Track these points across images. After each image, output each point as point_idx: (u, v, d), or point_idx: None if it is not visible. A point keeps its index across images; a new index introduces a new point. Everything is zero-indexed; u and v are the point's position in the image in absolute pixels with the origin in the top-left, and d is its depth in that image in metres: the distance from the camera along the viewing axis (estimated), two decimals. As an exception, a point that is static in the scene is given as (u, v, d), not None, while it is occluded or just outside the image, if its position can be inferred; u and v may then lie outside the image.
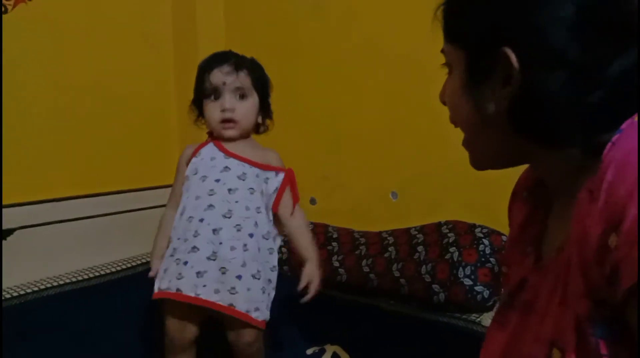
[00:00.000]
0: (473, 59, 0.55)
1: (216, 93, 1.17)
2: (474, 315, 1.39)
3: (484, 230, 1.46)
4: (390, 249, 1.56)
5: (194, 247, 1.10)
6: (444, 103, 0.64)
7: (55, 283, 1.63)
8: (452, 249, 1.43)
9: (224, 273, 1.09)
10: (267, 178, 1.20)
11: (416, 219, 1.63)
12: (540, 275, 0.57)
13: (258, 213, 1.15)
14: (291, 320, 1.41)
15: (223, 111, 1.16)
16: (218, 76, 1.16)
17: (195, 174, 1.17)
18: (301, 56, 1.98)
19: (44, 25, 1.76)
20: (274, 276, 1.20)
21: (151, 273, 1.20)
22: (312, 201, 2.00)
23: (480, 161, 0.62)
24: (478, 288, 1.37)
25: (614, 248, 0.41)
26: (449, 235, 1.47)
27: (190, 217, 1.13)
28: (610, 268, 0.42)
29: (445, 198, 1.66)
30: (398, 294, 1.50)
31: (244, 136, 1.22)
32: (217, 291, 1.09)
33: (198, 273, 1.09)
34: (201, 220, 1.11)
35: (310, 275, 1.17)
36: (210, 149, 1.20)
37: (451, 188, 1.64)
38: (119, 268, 1.80)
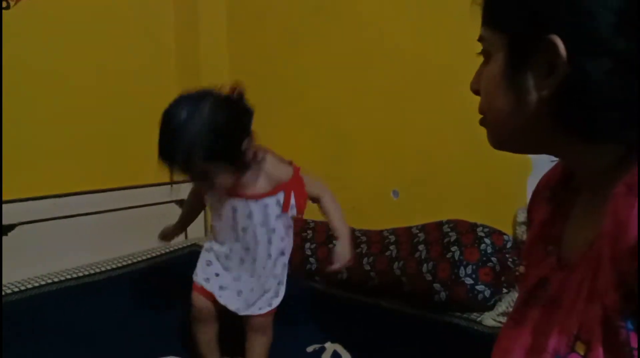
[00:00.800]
0: (516, 45, 0.53)
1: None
2: (475, 314, 1.39)
3: (486, 229, 1.46)
4: (391, 248, 1.55)
5: (237, 278, 1.22)
6: (476, 92, 0.62)
7: (55, 279, 1.63)
8: (453, 248, 1.43)
9: (254, 292, 1.21)
10: (278, 201, 1.20)
11: (417, 218, 1.63)
12: (565, 272, 0.57)
13: (270, 239, 1.20)
14: (292, 318, 1.40)
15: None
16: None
17: (215, 209, 1.22)
18: (303, 55, 1.98)
19: (45, 21, 1.76)
20: (287, 247, 1.24)
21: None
22: (314, 200, 2.00)
23: (503, 144, 0.61)
24: (479, 287, 1.37)
25: None
26: (451, 234, 1.47)
27: (230, 249, 1.22)
28: None
29: (446, 197, 1.66)
30: (399, 293, 1.50)
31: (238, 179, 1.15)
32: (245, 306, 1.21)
33: (239, 292, 1.21)
34: (241, 260, 1.21)
35: (340, 254, 1.20)
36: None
37: (453, 187, 1.64)
38: (119, 265, 1.80)
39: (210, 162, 1.06)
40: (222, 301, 1.20)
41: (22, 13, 1.69)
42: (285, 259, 1.24)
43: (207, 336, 1.24)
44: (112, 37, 1.95)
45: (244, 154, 1.11)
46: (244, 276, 1.22)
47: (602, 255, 0.47)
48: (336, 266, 1.19)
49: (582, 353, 0.49)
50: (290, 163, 1.26)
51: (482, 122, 0.62)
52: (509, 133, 0.58)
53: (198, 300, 1.23)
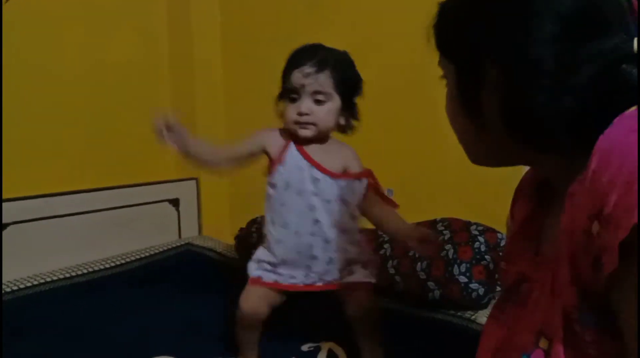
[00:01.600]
0: (461, 71, 0.57)
1: (295, 94, 1.13)
2: (469, 312, 1.39)
3: (479, 228, 1.46)
4: (385, 246, 1.56)
5: (313, 256, 1.16)
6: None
7: (47, 279, 1.62)
8: (447, 246, 1.43)
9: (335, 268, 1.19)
10: (353, 186, 1.18)
11: (411, 216, 1.62)
12: (537, 269, 0.59)
13: (352, 218, 1.19)
14: (286, 316, 1.40)
15: (299, 114, 1.12)
16: (297, 78, 1.12)
17: (289, 188, 1.15)
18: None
19: (40, 18, 1.75)
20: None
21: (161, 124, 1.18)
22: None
23: (478, 161, 0.65)
24: (473, 285, 1.38)
25: (596, 235, 0.43)
26: (445, 232, 1.47)
27: (296, 232, 1.15)
28: (594, 256, 0.43)
29: (440, 196, 1.66)
30: (393, 291, 1.50)
31: (322, 137, 1.18)
32: (311, 276, 1.19)
33: (319, 274, 1.18)
34: (312, 234, 1.15)
35: (410, 234, 1.16)
36: (294, 156, 1.16)
37: (447, 186, 1.64)
38: (112, 265, 1.79)
39: (336, 86, 1.12)
40: (318, 283, 1.19)
41: (14, 10, 1.67)
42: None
43: (252, 340, 1.22)
44: (103, 35, 1.94)
45: (352, 109, 1.18)
46: (334, 255, 1.18)
47: (561, 251, 0.49)
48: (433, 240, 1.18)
49: (544, 348, 0.50)
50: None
51: (461, 144, 0.66)
52: (476, 151, 0.62)
53: (248, 304, 1.19)
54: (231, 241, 1.97)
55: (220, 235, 2.15)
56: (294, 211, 1.15)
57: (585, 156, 0.46)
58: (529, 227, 0.65)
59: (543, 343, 0.51)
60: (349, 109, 1.18)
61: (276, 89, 2.17)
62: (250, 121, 2.17)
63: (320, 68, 1.11)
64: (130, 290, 1.63)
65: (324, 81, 1.11)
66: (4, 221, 1.64)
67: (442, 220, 1.53)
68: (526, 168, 0.71)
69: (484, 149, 0.60)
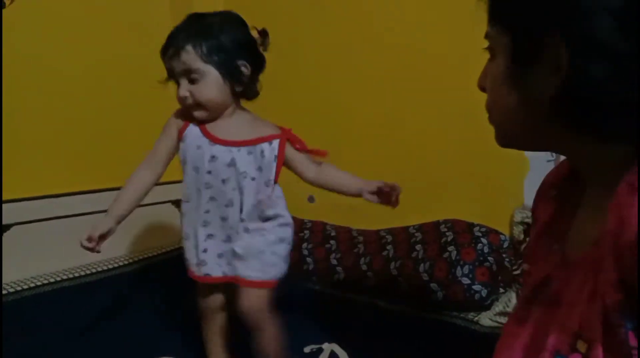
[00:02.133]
0: (520, 44, 0.53)
1: (174, 79, 1.08)
2: (471, 313, 1.39)
3: (483, 229, 1.46)
4: (388, 247, 1.55)
5: (210, 235, 1.11)
6: (483, 89, 0.61)
7: (51, 280, 1.62)
8: (450, 248, 1.43)
9: (237, 252, 1.10)
10: (262, 151, 1.11)
11: (415, 217, 1.62)
12: (569, 270, 0.57)
13: (257, 192, 1.11)
14: (289, 318, 1.40)
15: (180, 99, 1.08)
16: (166, 63, 1.07)
17: (186, 164, 1.12)
18: (299, 49, 1.97)
19: (41, 20, 1.75)
20: (285, 232, 1.16)
21: (92, 233, 1.14)
22: (311, 199, 2.00)
23: (509, 142, 0.61)
24: (476, 287, 1.37)
25: None
26: (448, 233, 1.47)
27: (197, 207, 1.11)
28: None
29: (444, 197, 1.66)
30: (396, 292, 1.50)
31: (222, 112, 1.11)
32: (237, 267, 1.11)
33: (219, 256, 1.12)
34: (207, 211, 1.11)
35: (383, 184, 1.18)
36: (194, 134, 1.11)
37: (450, 187, 1.63)
38: (116, 265, 1.79)
39: (207, 58, 1.04)
40: (229, 274, 1.12)
41: (16, 11, 1.68)
42: (283, 230, 1.14)
43: (211, 330, 1.20)
44: (107, 37, 1.94)
45: (236, 73, 1.07)
46: (233, 234, 1.11)
47: (605, 253, 0.47)
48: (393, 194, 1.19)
49: (583, 351, 0.49)
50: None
51: (490, 120, 0.62)
52: (514, 131, 0.58)
53: (201, 292, 1.18)
54: (234, 242, 1.97)
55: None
56: (192, 187, 1.12)
57: (633, 151, 0.45)
58: (554, 228, 0.64)
59: (581, 346, 0.49)
60: (233, 75, 1.07)
61: (278, 89, 2.18)
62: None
63: (179, 46, 1.04)
64: (134, 290, 1.63)
65: (188, 57, 1.04)
66: (8, 221, 1.65)
67: (446, 221, 1.53)
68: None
69: (523, 129, 0.57)
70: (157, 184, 2.10)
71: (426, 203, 1.68)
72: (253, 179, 1.10)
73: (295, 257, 1.71)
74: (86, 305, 1.50)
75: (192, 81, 1.05)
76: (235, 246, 1.10)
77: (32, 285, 1.58)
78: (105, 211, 1.87)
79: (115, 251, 1.87)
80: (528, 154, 1.42)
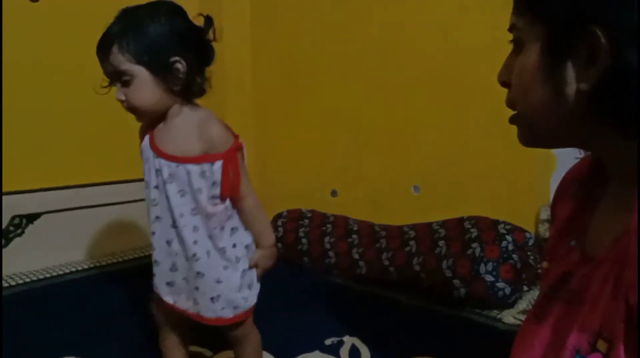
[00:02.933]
0: (555, 34, 0.51)
1: (110, 84, 0.98)
2: (494, 311, 1.37)
3: (507, 226, 1.44)
4: (411, 243, 1.55)
5: (155, 260, 1.01)
6: (505, 84, 0.59)
7: (79, 268, 1.66)
8: (474, 245, 1.42)
9: (188, 282, 1.00)
10: (203, 171, 0.97)
11: (438, 213, 1.61)
12: (590, 267, 0.56)
13: (193, 215, 0.97)
14: (310, 310, 1.41)
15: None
16: (100, 64, 0.96)
17: (143, 178, 1.02)
18: (323, 49, 1.97)
19: (66, 17, 1.78)
20: (244, 257, 1.03)
21: None
22: (333, 193, 2.00)
23: (537, 139, 0.59)
24: (499, 284, 1.36)
25: None
26: (472, 230, 1.46)
27: (151, 230, 1.01)
28: None
29: (468, 193, 1.64)
30: (418, 288, 1.49)
31: (166, 114, 0.99)
32: (187, 301, 1.02)
33: (168, 284, 1.01)
34: (153, 233, 1.00)
35: (258, 261, 1.04)
36: (146, 145, 1.01)
37: (475, 183, 1.62)
38: (142, 254, 1.83)
39: (136, 57, 0.92)
40: (178, 305, 1.02)
41: (40, 11, 1.72)
42: (239, 263, 1.02)
43: (169, 345, 1.09)
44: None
45: (168, 71, 0.93)
46: (178, 261, 0.99)
47: (629, 251, 0.46)
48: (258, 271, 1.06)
49: (603, 351, 0.48)
50: (235, 136, 1.00)
51: (513, 118, 0.59)
52: (545, 128, 0.56)
53: (157, 305, 1.07)
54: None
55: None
56: (147, 205, 1.01)
57: None
58: (574, 224, 0.63)
59: (601, 346, 0.48)
60: (166, 73, 0.94)
61: (304, 89, 2.19)
62: (278, 121, 2.19)
63: (105, 48, 0.93)
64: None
65: (115, 59, 0.92)
66: (37, 210, 1.69)
67: (469, 218, 1.51)
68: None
69: (556, 124, 0.54)
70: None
71: (450, 200, 1.67)
72: (197, 197, 0.96)
73: (318, 251, 1.72)
74: (114, 293, 1.53)
75: (124, 84, 0.94)
76: (183, 279, 1.00)
77: (61, 271, 1.62)
78: (130, 201, 1.91)
79: (142, 241, 1.91)
80: (556, 151, 1.40)
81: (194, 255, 0.97)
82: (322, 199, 2.00)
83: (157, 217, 0.98)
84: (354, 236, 1.69)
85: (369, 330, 1.28)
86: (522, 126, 0.58)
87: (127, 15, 0.95)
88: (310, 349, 1.21)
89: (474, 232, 1.45)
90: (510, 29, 0.57)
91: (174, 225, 0.97)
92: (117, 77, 0.94)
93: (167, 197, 0.96)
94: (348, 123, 1.94)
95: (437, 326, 1.33)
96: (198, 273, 0.98)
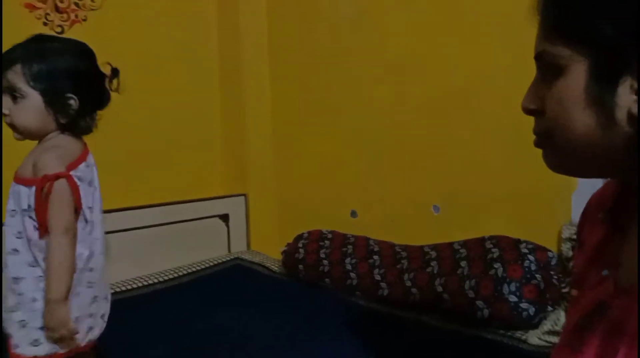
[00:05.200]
0: (605, 59, 0.50)
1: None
2: (519, 332, 1.36)
3: (530, 246, 1.43)
4: (432, 263, 1.55)
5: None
6: (531, 112, 0.58)
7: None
8: (496, 265, 1.41)
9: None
10: (19, 192, 0.99)
11: (459, 233, 1.61)
12: (627, 297, 0.54)
13: (18, 238, 0.98)
14: (333, 332, 1.42)
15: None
16: None
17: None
18: (341, 69, 2.00)
19: (96, 43, 1.84)
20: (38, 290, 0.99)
21: None
22: (353, 214, 2.01)
23: (573, 166, 0.57)
24: (523, 304, 1.35)
25: None
26: (493, 250, 1.45)
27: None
28: None
29: (489, 213, 1.64)
30: (440, 309, 1.48)
31: (42, 139, 1.04)
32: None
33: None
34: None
35: (48, 321, 0.97)
36: None
37: (496, 203, 1.62)
38: (166, 278, 1.86)
39: (32, 81, 0.97)
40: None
41: (75, 36, 1.78)
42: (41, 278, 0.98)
43: None
44: (159, 62, 2.03)
45: (61, 103, 1.00)
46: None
47: None
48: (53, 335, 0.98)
49: None
50: (67, 167, 1.00)
51: (543, 143, 0.58)
52: (586, 155, 0.54)
53: None
54: (278, 255, 2.00)
55: (268, 250, 2.20)
56: None
57: None
58: (604, 252, 0.61)
59: None
60: (58, 105, 1.00)
61: (322, 109, 2.21)
62: (297, 140, 2.22)
63: (7, 64, 0.98)
64: (183, 302, 1.68)
65: (14, 76, 0.97)
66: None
67: (491, 238, 1.51)
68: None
69: (600, 152, 0.52)
70: (204, 199, 2.18)
71: (471, 220, 1.67)
72: (15, 217, 0.99)
73: (339, 272, 1.73)
74: (137, 317, 1.54)
75: (13, 99, 0.99)
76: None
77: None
78: (155, 225, 1.93)
79: (166, 264, 1.94)
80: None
81: (15, 278, 0.98)
82: (341, 219, 2.01)
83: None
84: (375, 257, 1.70)
85: (393, 351, 1.28)
86: (555, 152, 0.57)
87: (39, 42, 1.01)
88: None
89: (496, 252, 1.45)
90: (540, 55, 0.55)
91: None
92: (9, 92, 0.98)
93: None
94: (367, 144, 1.96)
95: (461, 347, 1.32)
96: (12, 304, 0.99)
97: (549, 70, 0.54)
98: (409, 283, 1.56)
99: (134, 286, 1.78)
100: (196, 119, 2.19)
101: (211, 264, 1.99)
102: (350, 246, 1.78)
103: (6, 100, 0.98)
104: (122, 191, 1.92)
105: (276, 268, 1.97)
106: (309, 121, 2.15)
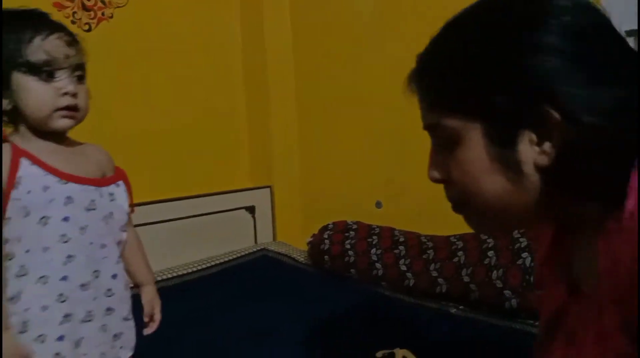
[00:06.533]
0: (501, 124, 0.50)
1: (49, 70, 0.81)
2: (548, 322, 1.35)
3: (558, 235, 1.41)
4: (459, 253, 1.54)
5: (67, 315, 0.84)
6: (439, 181, 0.58)
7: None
8: (524, 254, 1.40)
9: (105, 330, 0.90)
10: (112, 194, 0.92)
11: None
12: (580, 304, 0.54)
13: (116, 243, 0.93)
14: (360, 322, 1.42)
15: (64, 94, 0.82)
16: (55, 46, 0.81)
17: (27, 216, 0.81)
18: (365, 59, 1.99)
19: (122, 40, 1.88)
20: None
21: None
22: (378, 205, 2.01)
23: (498, 228, 0.60)
24: (552, 294, 1.33)
25: None
26: (521, 239, 1.44)
27: (42, 277, 0.82)
28: None
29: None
30: (468, 299, 1.48)
31: (65, 134, 0.91)
32: (103, 356, 0.90)
33: (76, 343, 0.85)
34: (64, 278, 0.84)
35: (153, 301, 1.02)
36: (34, 173, 0.82)
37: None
38: (193, 270, 1.89)
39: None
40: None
41: (101, 35, 1.81)
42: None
43: None
44: (184, 57, 2.06)
45: None
46: (95, 308, 0.88)
47: (603, 296, 0.46)
48: (157, 324, 1.02)
49: None
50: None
51: (461, 209, 0.58)
52: (502, 215, 0.54)
53: None
54: (304, 246, 2.02)
55: (293, 241, 2.21)
56: (36, 248, 0.82)
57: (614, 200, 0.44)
58: (558, 253, 0.60)
59: None
60: None
61: (346, 99, 2.20)
62: (321, 131, 2.23)
63: (75, 37, 0.86)
64: (210, 294, 1.70)
65: (83, 51, 0.87)
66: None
67: (518, 227, 1.49)
68: None
69: (520, 208, 0.52)
70: (231, 192, 2.21)
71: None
72: (107, 223, 0.93)
73: (365, 262, 1.73)
74: (166, 308, 1.57)
75: (80, 78, 0.88)
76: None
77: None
78: (182, 218, 1.96)
79: (193, 256, 1.97)
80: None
81: (109, 289, 0.92)
82: (366, 210, 2.01)
83: (70, 256, 0.86)
84: (401, 247, 1.70)
85: (420, 342, 1.27)
86: (475, 217, 0.57)
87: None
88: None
89: (523, 241, 1.43)
90: (430, 128, 0.56)
91: (91, 264, 0.89)
92: (75, 71, 0.85)
93: (81, 228, 0.87)
94: (391, 134, 1.95)
95: (490, 337, 1.31)
96: (112, 309, 0.92)
97: (444, 140, 0.55)
98: (435, 274, 1.55)
99: (164, 277, 1.81)
100: (222, 114, 2.22)
101: (238, 255, 2.02)
102: (375, 237, 1.78)
103: (70, 80, 0.83)
104: (151, 185, 1.96)
105: (302, 259, 1.99)
106: (334, 113, 2.15)
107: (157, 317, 1.02)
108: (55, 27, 0.83)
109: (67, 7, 1.76)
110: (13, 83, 0.80)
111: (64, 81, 0.82)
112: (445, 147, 0.55)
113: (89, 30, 1.81)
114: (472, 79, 0.51)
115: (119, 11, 1.87)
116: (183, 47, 2.05)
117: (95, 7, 1.82)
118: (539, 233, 0.67)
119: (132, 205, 1.00)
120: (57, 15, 1.74)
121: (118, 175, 0.96)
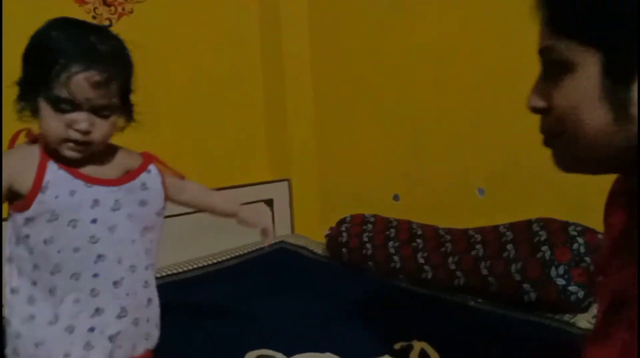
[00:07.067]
0: (616, 58, 0.49)
1: (69, 105, 0.80)
2: (567, 315, 1.34)
3: (578, 228, 1.40)
4: (477, 247, 1.53)
5: (97, 309, 0.88)
6: (540, 110, 0.57)
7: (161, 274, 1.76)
8: (543, 248, 1.39)
9: (137, 324, 0.93)
10: (144, 183, 0.95)
11: (504, 216, 1.59)
12: None
13: (142, 236, 0.94)
14: (378, 315, 1.43)
15: (76, 130, 0.81)
16: (81, 87, 0.79)
17: (56, 219, 0.84)
18: (382, 53, 1.99)
19: (142, 35, 1.90)
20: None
21: None
22: (395, 198, 2.01)
23: (582, 165, 0.57)
24: (572, 288, 1.32)
25: None
26: (540, 233, 1.43)
27: (74, 274, 0.86)
28: None
29: (535, 194, 1.61)
30: (486, 292, 1.48)
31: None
32: (134, 347, 0.94)
33: (111, 337, 0.89)
34: (95, 275, 0.87)
35: (260, 219, 1.13)
36: (60, 178, 0.85)
37: (542, 183, 1.58)
38: (212, 262, 1.91)
39: (119, 92, 0.85)
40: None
41: (122, 29, 1.83)
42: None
43: None
44: (202, 51, 2.07)
45: (129, 108, 0.91)
46: (128, 302, 0.91)
47: None
48: (269, 238, 1.14)
49: None
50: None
51: (552, 142, 0.57)
52: (596, 152, 0.53)
53: None
54: (322, 239, 2.03)
55: (311, 234, 2.23)
56: (67, 248, 0.85)
57: None
58: (629, 238, 0.59)
59: None
60: (126, 111, 0.92)
61: (363, 91, 2.19)
62: (338, 123, 2.23)
63: (110, 75, 0.82)
64: (228, 286, 1.72)
65: (113, 91, 0.83)
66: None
67: (538, 220, 1.48)
68: None
69: (615, 148, 0.51)
70: (249, 185, 2.22)
71: (517, 202, 1.64)
72: (134, 220, 0.95)
73: (382, 255, 1.74)
74: (184, 301, 1.59)
75: (102, 116, 0.85)
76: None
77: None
78: (199, 211, 1.99)
79: (211, 249, 1.99)
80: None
81: (146, 281, 0.96)
82: (384, 203, 2.01)
83: (100, 255, 0.89)
84: (419, 240, 1.70)
85: (438, 334, 1.28)
86: (566, 151, 0.56)
87: (108, 42, 0.88)
88: (379, 353, 1.23)
89: (543, 235, 1.42)
90: (546, 50, 0.54)
91: (121, 261, 0.93)
92: (98, 108, 0.83)
93: (110, 228, 0.91)
94: (409, 127, 1.95)
95: (508, 330, 1.31)
96: (149, 302, 0.97)
97: (556, 66, 0.53)
98: (453, 267, 1.55)
99: (184, 269, 1.84)
100: (240, 108, 2.23)
101: (257, 248, 2.04)
102: (393, 230, 1.79)
103: (90, 114, 0.82)
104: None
105: (320, 252, 2.00)
106: (351, 106, 2.15)
107: (269, 235, 1.16)
108: (90, 64, 0.79)
109: (89, 2, 1.79)
110: (38, 103, 0.81)
111: (78, 116, 0.81)
112: (554, 73, 0.54)
113: (110, 25, 1.83)
114: (601, 5, 0.50)
115: (140, 6, 1.90)
116: (202, 41, 2.07)
117: (116, 3, 1.85)
118: (609, 216, 0.66)
119: (178, 174, 1.05)
120: (78, 11, 1.79)
121: (146, 161, 0.98)
